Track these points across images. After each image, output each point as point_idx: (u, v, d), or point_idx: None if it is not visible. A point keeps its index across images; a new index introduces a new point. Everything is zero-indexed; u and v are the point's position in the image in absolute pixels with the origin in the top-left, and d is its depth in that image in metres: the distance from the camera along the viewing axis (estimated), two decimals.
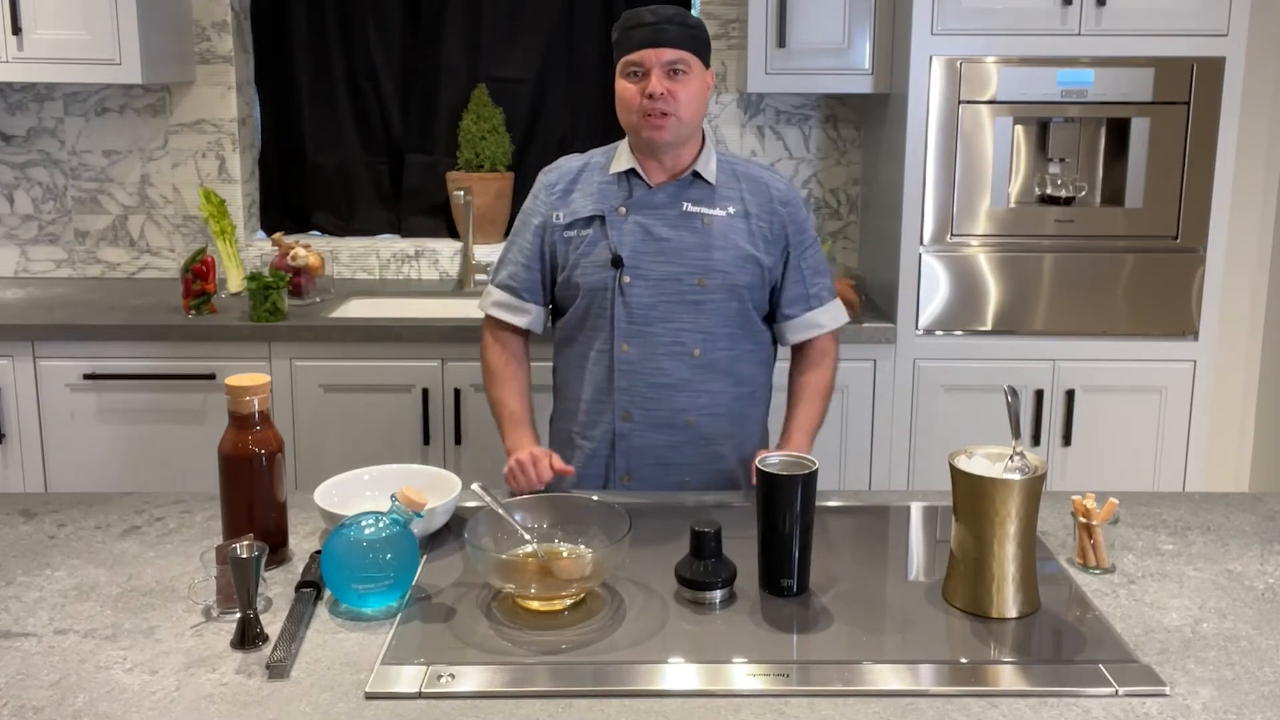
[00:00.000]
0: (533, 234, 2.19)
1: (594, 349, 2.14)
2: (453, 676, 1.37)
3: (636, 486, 2.14)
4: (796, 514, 1.58)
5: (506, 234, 3.78)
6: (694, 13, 3.65)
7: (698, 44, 2.06)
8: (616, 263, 2.07)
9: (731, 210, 2.11)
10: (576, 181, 2.17)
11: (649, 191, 2.11)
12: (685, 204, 2.10)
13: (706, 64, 2.08)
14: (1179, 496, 1.99)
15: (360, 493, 1.84)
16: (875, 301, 3.37)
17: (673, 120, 2.03)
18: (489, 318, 2.24)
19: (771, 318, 2.21)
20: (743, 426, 2.18)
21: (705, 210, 2.10)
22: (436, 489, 1.80)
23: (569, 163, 2.23)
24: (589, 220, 2.12)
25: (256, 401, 1.65)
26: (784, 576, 1.60)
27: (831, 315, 2.21)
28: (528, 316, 2.20)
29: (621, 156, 2.15)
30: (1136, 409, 3.19)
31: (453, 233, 3.79)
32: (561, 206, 2.16)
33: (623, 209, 2.10)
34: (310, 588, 1.56)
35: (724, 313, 2.10)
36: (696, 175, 2.11)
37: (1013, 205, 3.13)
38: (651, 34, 2.02)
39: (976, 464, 1.54)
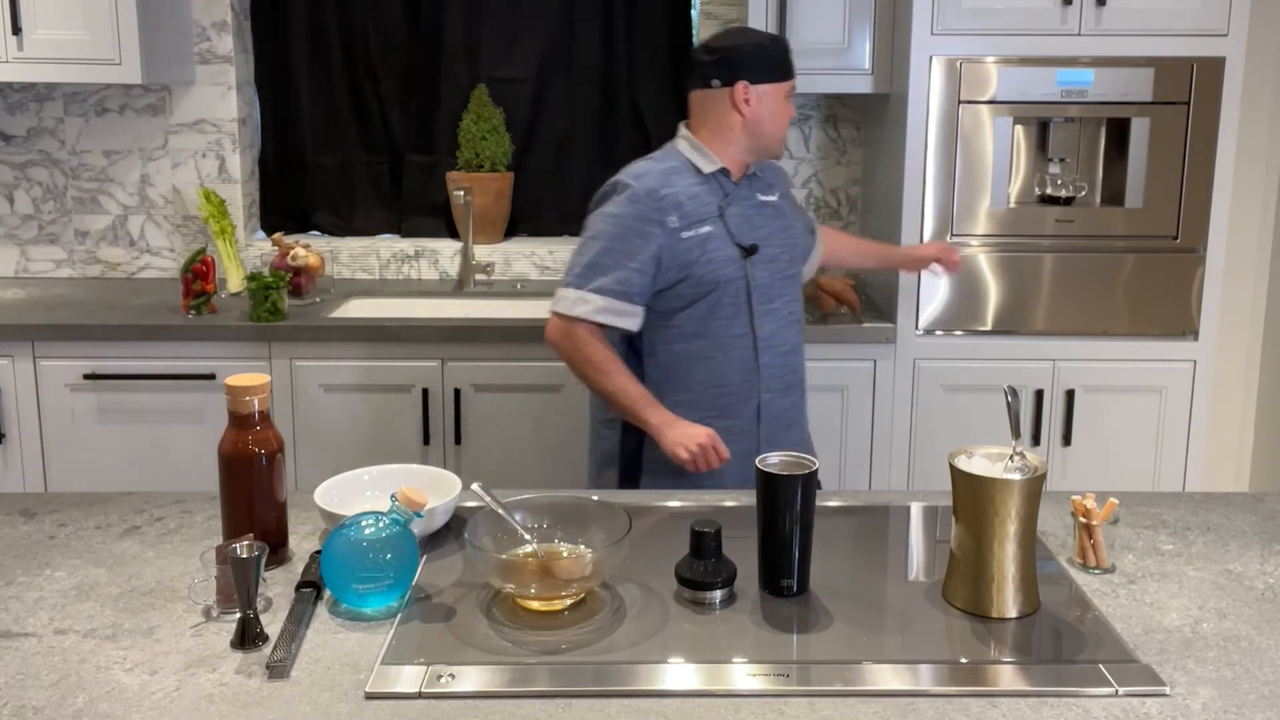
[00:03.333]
0: (649, 240, 2.25)
1: (733, 334, 2.30)
2: (453, 676, 1.37)
3: (767, 451, 2.24)
4: (796, 514, 1.58)
5: (507, 234, 3.82)
6: (694, 11, 3.68)
7: None
8: (750, 251, 2.29)
9: (777, 194, 2.43)
10: (673, 192, 2.27)
11: (736, 187, 2.35)
12: (757, 194, 2.38)
13: None
14: (1179, 496, 1.99)
15: (360, 493, 1.84)
16: (875, 301, 3.37)
17: None
18: (583, 322, 2.26)
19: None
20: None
21: (768, 198, 2.40)
22: (436, 489, 1.80)
23: (656, 168, 2.31)
24: (705, 219, 2.27)
25: (256, 401, 1.65)
26: (784, 576, 1.60)
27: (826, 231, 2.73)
28: (636, 319, 2.28)
29: (703, 158, 2.31)
30: (1136, 409, 3.19)
31: (453, 233, 3.79)
32: (674, 211, 2.26)
33: (726, 205, 2.31)
34: (310, 588, 1.56)
35: (799, 280, 2.44)
36: (754, 171, 2.40)
37: (1013, 205, 3.13)
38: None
39: (976, 464, 1.54)
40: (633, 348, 2.35)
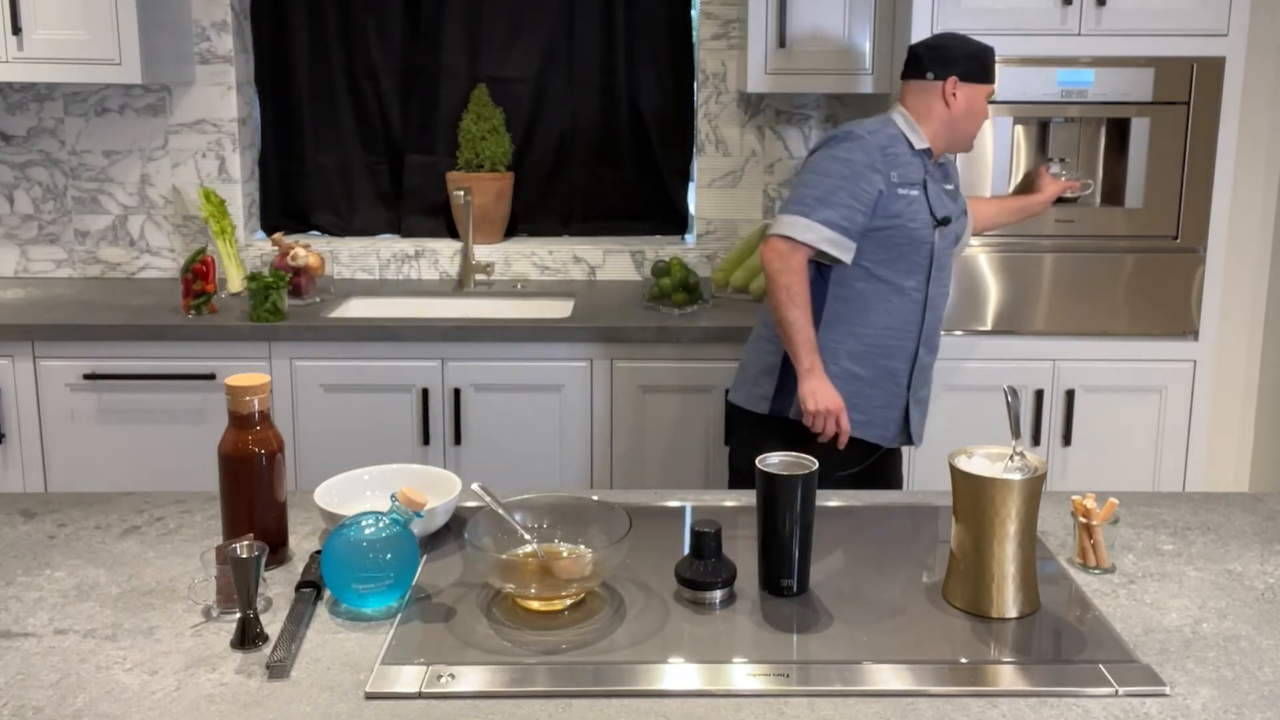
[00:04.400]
0: (872, 185, 2.51)
1: (909, 287, 2.58)
2: (453, 676, 1.37)
3: (919, 404, 2.68)
4: (796, 514, 1.58)
5: (507, 234, 3.82)
6: (694, 11, 3.68)
7: None
8: (944, 221, 2.58)
9: (953, 184, 2.71)
10: (895, 154, 2.55)
11: (937, 166, 2.64)
12: (942, 179, 2.67)
13: None
14: (1179, 496, 1.99)
15: (360, 493, 1.84)
16: None
17: None
18: (802, 247, 2.50)
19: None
20: None
21: (948, 185, 2.69)
22: (436, 489, 1.80)
23: (884, 129, 2.57)
24: (914, 184, 2.55)
25: (256, 401, 1.65)
26: (784, 576, 1.60)
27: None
28: (850, 252, 2.53)
29: (915, 135, 2.59)
30: (1136, 409, 3.19)
31: (453, 233, 3.79)
32: (895, 168, 2.54)
33: (929, 179, 2.60)
34: (310, 588, 1.56)
35: (954, 258, 2.76)
36: (944, 160, 2.70)
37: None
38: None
39: (976, 464, 1.54)
40: (822, 276, 2.58)
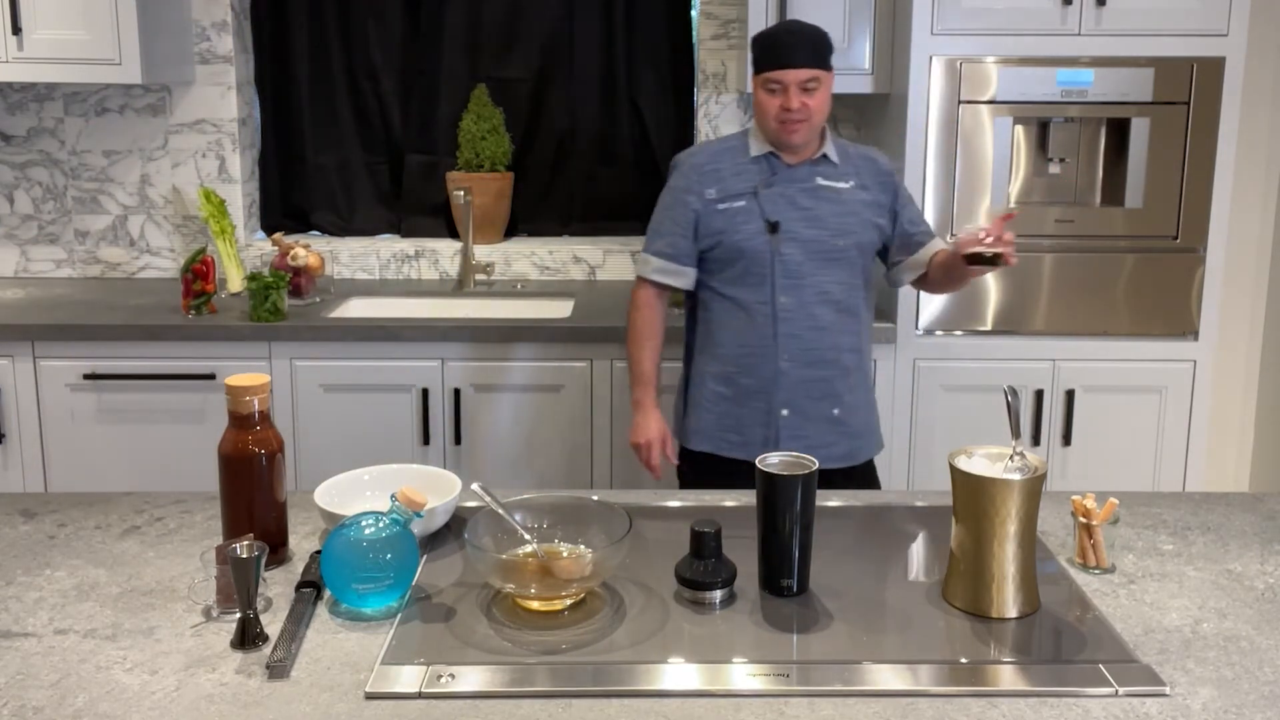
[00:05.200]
0: (687, 208, 2.52)
1: (756, 301, 2.48)
2: (453, 676, 1.37)
3: (795, 421, 2.51)
4: (796, 514, 1.58)
5: (507, 234, 3.83)
6: (694, 11, 3.68)
7: (826, 57, 2.43)
8: (774, 228, 2.44)
9: (851, 183, 2.51)
10: (719, 165, 2.51)
11: (789, 169, 2.49)
12: (818, 179, 2.49)
13: (832, 71, 2.45)
14: (1179, 496, 1.99)
15: (360, 493, 1.84)
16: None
17: (805, 125, 2.42)
18: (645, 282, 2.60)
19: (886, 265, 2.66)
20: (867, 359, 2.63)
21: (834, 183, 2.50)
22: (436, 489, 1.80)
23: (704, 148, 2.59)
24: (739, 195, 2.47)
25: (256, 401, 1.65)
26: (784, 576, 1.60)
27: (936, 247, 2.60)
28: (686, 278, 2.56)
29: (755, 142, 2.51)
30: (1136, 409, 3.19)
31: (453, 233, 3.79)
32: (713, 184, 2.50)
33: (767, 184, 2.48)
34: (310, 588, 1.56)
35: (854, 266, 2.52)
36: (824, 156, 2.50)
37: (1013, 205, 3.13)
38: (788, 55, 2.39)
39: (976, 464, 1.54)
40: (690, 304, 2.64)
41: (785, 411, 2.51)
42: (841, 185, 2.51)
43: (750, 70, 2.50)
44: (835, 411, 2.53)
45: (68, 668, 1.40)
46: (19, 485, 3.11)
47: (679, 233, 2.53)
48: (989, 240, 2.29)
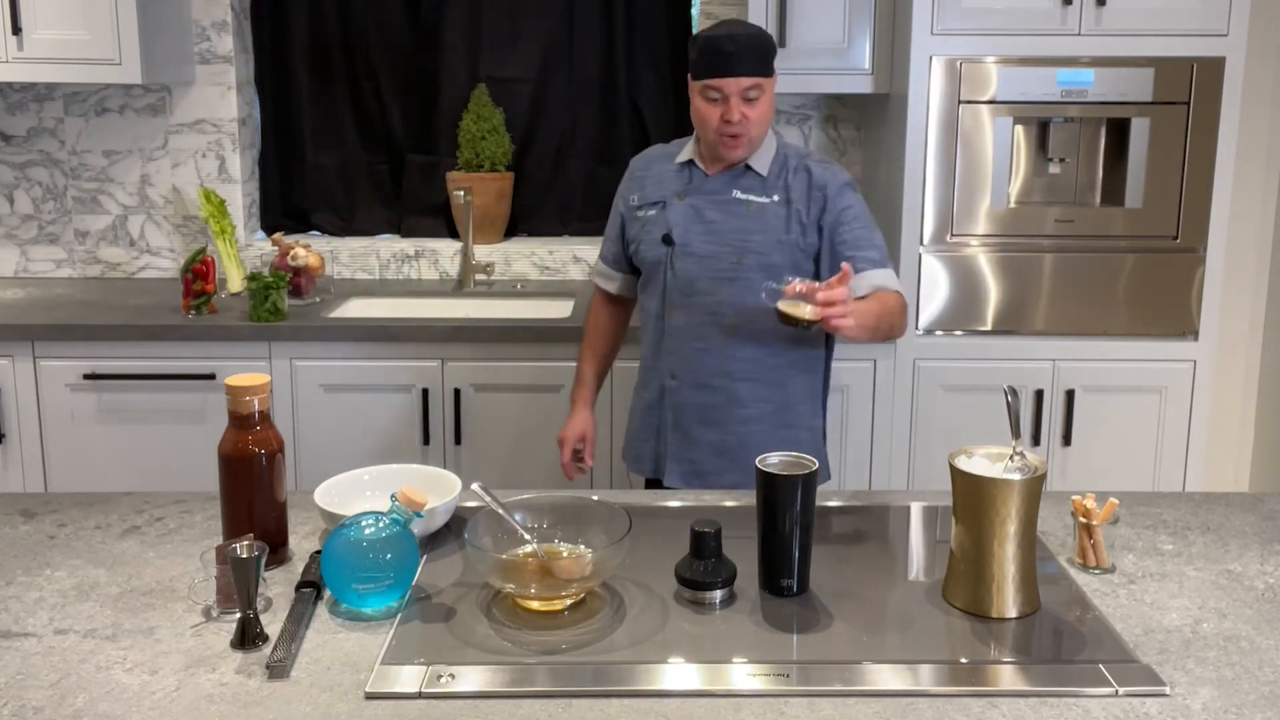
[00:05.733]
0: (616, 212, 2.49)
1: (652, 315, 2.41)
2: (453, 676, 1.37)
3: (680, 442, 2.38)
4: (796, 514, 1.58)
5: (507, 234, 3.84)
6: (694, 11, 3.68)
7: (767, 65, 2.24)
8: (667, 241, 2.33)
9: (776, 198, 2.30)
10: (650, 169, 2.43)
11: (705, 179, 2.34)
12: (735, 191, 2.32)
13: (774, 75, 2.26)
14: (1179, 496, 1.99)
15: (360, 493, 1.84)
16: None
17: (746, 138, 2.25)
18: (596, 286, 2.60)
19: None
20: (780, 390, 2.36)
21: (752, 197, 2.30)
22: (436, 489, 1.80)
23: (654, 151, 2.49)
24: (654, 203, 2.37)
25: (256, 401, 1.65)
26: (784, 576, 1.60)
27: (864, 282, 2.25)
28: (615, 283, 2.54)
29: (687, 149, 2.39)
30: (1136, 409, 3.19)
31: (453, 233, 3.79)
32: (637, 190, 2.43)
33: (681, 194, 2.35)
34: (310, 588, 1.56)
35: (756, 288, 2.22)
36: (748, 168, 2.32)
37: (1013, 205, 3.13)
38: (730, 63, 2.20)
39: (976, 464, 1.54)
40: None
41: (672, 432, 2.40)
42: (761, 200, 2.30)
43: (690, 77, 2.28)
44: (723, 439, 2.35)
45: (68, 668, 1.40)
46: (19, 485, 3.11)
47: (613, 236, 2.50)
48: (800, 291, 2.04)
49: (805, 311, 2.03)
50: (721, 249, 2.30)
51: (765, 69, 2.23)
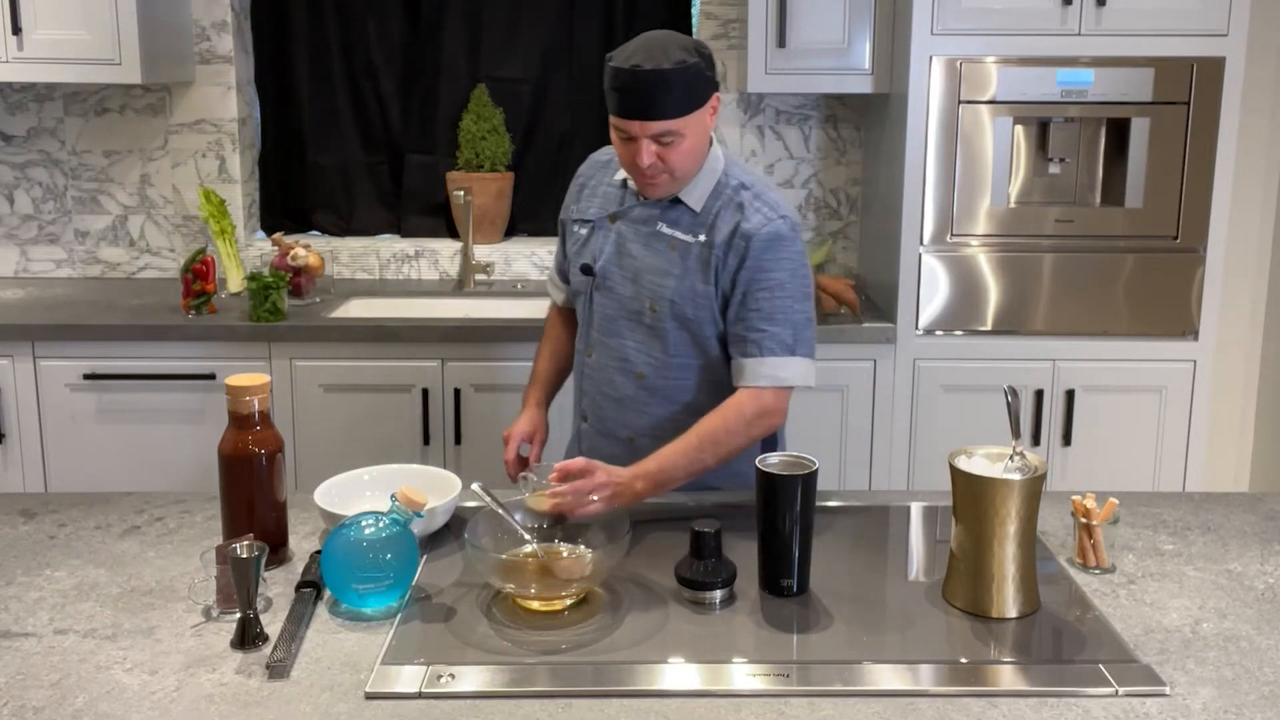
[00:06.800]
0: (562, 222, 2.25)
1: (578, 344, 2.20)
2: (453, 676, 1.37)
3: None
4: (796, 514, 1.58)
5: (507, 234, 3.84)
6: (694, 11, 3.68)
7: (690, 100, 1.89)
8: (587, 271, 2.08)
9: (702, 238, 1.99)
10: (592, 178, 2.17)
11: (637, 204, 2.05)
12: (661, 224, 2.02)
13: (705, 101, 1.93)
14: (1179, 496, 1.99)
15: (360, 493, 1.84)
16: (875, 301, 3.36)
17: (665, 179, 1.95)
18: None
19: None
20: None
21: (678, 235, 2.00)
22: (436, 489, 1.80)
23: (599, 157, 2.21)
24: (586, 222, 2.12)
25: (256, 401, 1.65)
26: (784, 576, 1.60)
27: (763, 371, 1.95)
28: (563, 293, 2.29)
29: None
30: (1136, 409, 3.19)
31: (453, 233, 3.79)
32: (576, 202, 2.18)
33: (613, 218, 2.08)
34: (310, 588, 1.56)
35: (677, 340, 2.02)
36: (678, 200, 2.01)
37: (1013, 205, 3.13)
38: (639, 105, 1.87)
39: (976, 464, 1.54)
40: None
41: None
42: (686, 239, 1.99)
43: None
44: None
45: (68, 668, 1.40)
46: (19, 485, 3.11)
47: (561, 242, 2.27)
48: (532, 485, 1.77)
49: (547, 505, 1.71)
50: (638, 290, 2.02)
51: (682, 109, 1.88)
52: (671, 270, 1.99)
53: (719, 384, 2.03)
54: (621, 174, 2.08)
